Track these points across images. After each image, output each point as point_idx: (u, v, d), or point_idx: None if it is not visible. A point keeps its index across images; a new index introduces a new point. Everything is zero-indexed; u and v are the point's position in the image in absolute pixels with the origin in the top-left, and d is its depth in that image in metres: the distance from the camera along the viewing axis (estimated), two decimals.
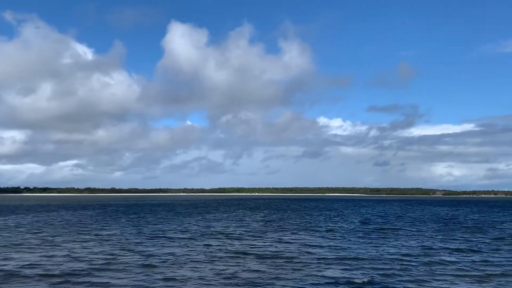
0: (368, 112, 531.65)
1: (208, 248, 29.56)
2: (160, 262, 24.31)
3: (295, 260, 24.93)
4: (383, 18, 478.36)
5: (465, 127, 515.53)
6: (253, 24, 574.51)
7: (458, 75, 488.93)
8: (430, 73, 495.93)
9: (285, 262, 24.53)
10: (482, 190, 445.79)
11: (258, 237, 36.35)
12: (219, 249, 29.09)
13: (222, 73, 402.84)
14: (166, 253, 27.52)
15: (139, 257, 25.96)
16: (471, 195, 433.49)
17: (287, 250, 28.59)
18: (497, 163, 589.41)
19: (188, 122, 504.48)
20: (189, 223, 51.19)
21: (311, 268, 22.93)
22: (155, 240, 33.74)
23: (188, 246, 30.47)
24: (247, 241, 33.37)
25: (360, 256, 26.57)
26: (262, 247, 30.05)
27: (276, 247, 30.24)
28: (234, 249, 29.05)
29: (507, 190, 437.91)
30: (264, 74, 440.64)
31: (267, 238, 35.60)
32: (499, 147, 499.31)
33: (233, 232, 39.96)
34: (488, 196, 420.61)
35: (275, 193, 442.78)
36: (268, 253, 27.55)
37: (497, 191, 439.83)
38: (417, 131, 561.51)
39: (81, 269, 22.33)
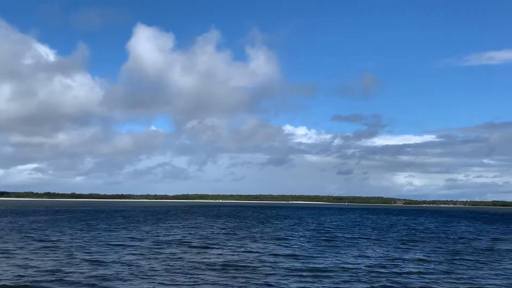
0: (332, 121, 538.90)
1: (163, 257, 29.31)
2: (112, 273, 23.75)
3: (247, 269, 25.02)
4: (348, 28, 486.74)
5: (426, 138, 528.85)
6: (221, 30, 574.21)
7: (420, 87, 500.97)
8: (393, 84, 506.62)
9: (235, 271, 24.60)
10: (441, 200, 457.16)
11: (214, 245, 36.28)
12: (176, 258, 28.89)
13: (188, 78, 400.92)
14: (119, 262, 27.09)
15: (88, 267, 25.45)
16: (431, 205, 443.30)
17: (241, 259, 28.66)
18: (456, 174, 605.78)
19: (153, 127, 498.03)
20: (146, 231, 50.58)
21: (261, 277, 23.07)
22: (108, 249, 33.19)
23: (143, 255, 30.11)
24: (204, 250, 33.28)
25: (315, 266, 26.88)
26: (216, 256, 30.02)
27: (232, 255, 30.27)
28: (191, 259, 28.92)
29: (465, 200, 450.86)
30: (230, 80, 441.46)
31: (224, 246, 35.57)
32: (458, 158, 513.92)
33: (190, 241, 39.75)
34: (447, 206, 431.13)
35: (239, 200, 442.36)
36: (224, 262, 27.55)
37: (456, 201, 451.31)
38: (379, 141, 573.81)
39: (23, 281, 21.74)
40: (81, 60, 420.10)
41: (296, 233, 49.64)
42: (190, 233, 47.52)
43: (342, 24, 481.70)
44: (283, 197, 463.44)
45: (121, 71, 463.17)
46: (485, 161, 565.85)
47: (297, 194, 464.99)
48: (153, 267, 25.41)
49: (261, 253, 32.01)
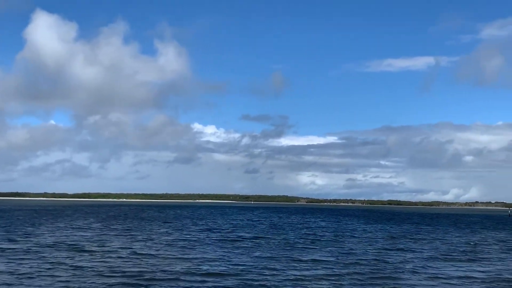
0: (241, 121, 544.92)
1: (41, 261, 27.78)
2: None
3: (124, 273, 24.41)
4: (260, 28, 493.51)
5: (329, 139, 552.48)
6: (128, 22, 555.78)
7: (324, 90, 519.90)
8: (300, 86, 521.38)
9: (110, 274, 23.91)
10: (341, 198, 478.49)
11: (100, 247, 35.03)
12: (55, 262, 27.49)
13: (91, 70, 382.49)
14: None
15: None
16: (331, 203, 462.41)
17: (116, 263, 27.92)
18: (355, 174, 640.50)
19: (52, 122, 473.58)
20: (26, 233, 47.69)
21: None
22: None
23: (20, 260, 28.35)
24: (83, 254, 32.00)
25: (207, 269, 26.79)
26: (93, 261, 29.01)
27: (113, 259, 29.39)
28: (70, 263, 27.67)
29: (363, 199, 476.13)
30: (137, 74, 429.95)
31: (108, 250, 34.45)
32: (358, 159, 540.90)
33: (74, 243, 38.08)
34: (346, 204, 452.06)
35: (144, 199, 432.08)
36: (104, 267, 26.65)
37: (355, 199, 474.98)
38: (286, 141, 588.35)
39: None
40: None
41: (191, 234, 49.30)
42: (78, 235, 45.53)
43: (254, 24, 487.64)
44: (190, 196, 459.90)
45: (16, 60, 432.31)
46: (382, 162, 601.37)
47: (204, 193, 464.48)
48: (28, 271, 24.00)
49: (126, 254, 31.38)
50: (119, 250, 34.05)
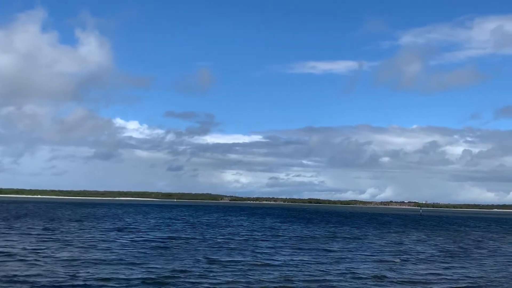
0: (165, 117, 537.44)
1: None
2: None
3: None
4: (187, 23, 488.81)
5: (253, 138, 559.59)
6: (48, 9, 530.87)
7: (250, 89, 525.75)
8: (227, 84, 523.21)
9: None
10: (264, 197, 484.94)
11: None
12: None
13: (5, 58, 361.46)
14: None
15: None
16: (254, 201, 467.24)
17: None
18: (278, 173, 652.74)
19: None
20: None
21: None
22: None
23: None
24: None
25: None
26: None
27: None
28: None
29: (285, 197, 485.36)
30: (56, 64, 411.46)
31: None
32: (281, 158, 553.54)
33: None
34: (269, 202, 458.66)
35: (61, 196, 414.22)
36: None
37: (277, 198, 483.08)
38: (211, 139, 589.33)
39: None
40: None
41: (91, 234, 47.60)
42: None
43: (181, 19, 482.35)
44: (109, 193, 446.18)
45: None
46: (304, 161, 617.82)
47: (124, 191, 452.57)
48: None
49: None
50: (15, 251, 32.12)
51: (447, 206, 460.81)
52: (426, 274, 28.10)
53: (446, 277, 27.46)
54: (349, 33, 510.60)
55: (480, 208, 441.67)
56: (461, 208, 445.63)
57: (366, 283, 24.80)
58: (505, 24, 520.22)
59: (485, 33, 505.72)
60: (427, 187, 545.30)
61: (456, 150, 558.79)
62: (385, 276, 26.62)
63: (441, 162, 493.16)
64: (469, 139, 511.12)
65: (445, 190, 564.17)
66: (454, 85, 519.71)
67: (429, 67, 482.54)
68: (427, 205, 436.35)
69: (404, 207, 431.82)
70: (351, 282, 25.02)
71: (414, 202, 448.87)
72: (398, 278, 26.38)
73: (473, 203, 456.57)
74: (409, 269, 29.58)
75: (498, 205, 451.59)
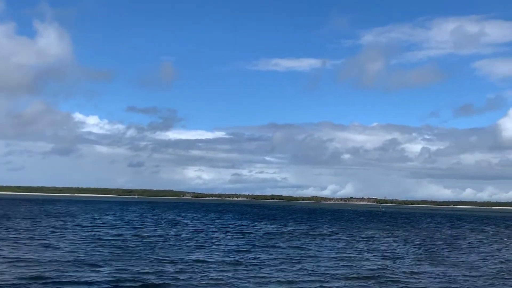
0: (127, 112, 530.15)
1: None
2: None
3: None
4: (150, 17, 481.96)
5: (217, 134, 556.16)
6: None
7: (214, 85, 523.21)
8: (189, 80, 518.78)
9: None
10: (226, 193, 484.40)
11: None
12: None
13: None
14: None
15: None
16: (217, 198, 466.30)
17: None
18: (241, 169, 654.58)
19: None
20: None
21: None
22: None
23: None
24: None
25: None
26: None
27: None
28: None
29: (248, 193, 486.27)
30: (12, 56, 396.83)
31: None
32: (244, 154, 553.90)
33: None
34: (231, 199, 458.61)
35: (17, 192, 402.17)
36: None
37: (240, 194, 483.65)
38: (173, 134, 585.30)
39: None
40: None
41: (37, 232, 46.32)
42: None
43: (144, 12, 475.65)
44: (68, 190, 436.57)
45: None
46: (267, 158, 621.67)
47: (83, 187, 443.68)
48: None
49: None
50: None
51: (405, 202, 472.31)
52: (401, 272, 28.59)
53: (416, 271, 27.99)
54: (313, 31, 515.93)
55: (437, 205, 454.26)
56: (418, 204, 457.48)
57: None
58: (464, 25, 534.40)
59: (444, 33, 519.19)
60: (386, 183, 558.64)
61: (415, 147, 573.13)
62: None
63: (400, 159, 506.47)
64: (427, 137, 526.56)
65: (404, 187, 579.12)
66: (414, 84, 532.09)
67: (390, 66, 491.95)
68: (386, 201, 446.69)
69: (364, 203, 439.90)
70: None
71: (374, 198, 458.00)
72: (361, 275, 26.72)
73: (430, 200, 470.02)
74: (367, 264, 30.02)
75: (454, 201, 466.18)
